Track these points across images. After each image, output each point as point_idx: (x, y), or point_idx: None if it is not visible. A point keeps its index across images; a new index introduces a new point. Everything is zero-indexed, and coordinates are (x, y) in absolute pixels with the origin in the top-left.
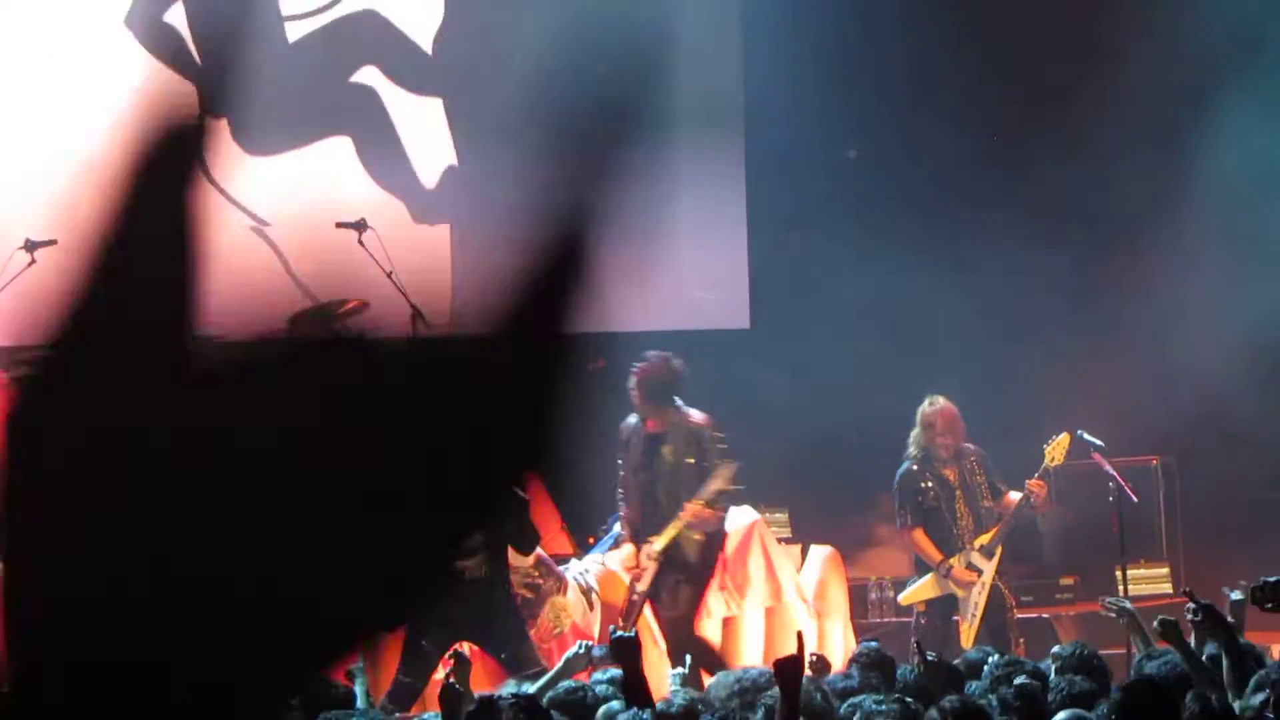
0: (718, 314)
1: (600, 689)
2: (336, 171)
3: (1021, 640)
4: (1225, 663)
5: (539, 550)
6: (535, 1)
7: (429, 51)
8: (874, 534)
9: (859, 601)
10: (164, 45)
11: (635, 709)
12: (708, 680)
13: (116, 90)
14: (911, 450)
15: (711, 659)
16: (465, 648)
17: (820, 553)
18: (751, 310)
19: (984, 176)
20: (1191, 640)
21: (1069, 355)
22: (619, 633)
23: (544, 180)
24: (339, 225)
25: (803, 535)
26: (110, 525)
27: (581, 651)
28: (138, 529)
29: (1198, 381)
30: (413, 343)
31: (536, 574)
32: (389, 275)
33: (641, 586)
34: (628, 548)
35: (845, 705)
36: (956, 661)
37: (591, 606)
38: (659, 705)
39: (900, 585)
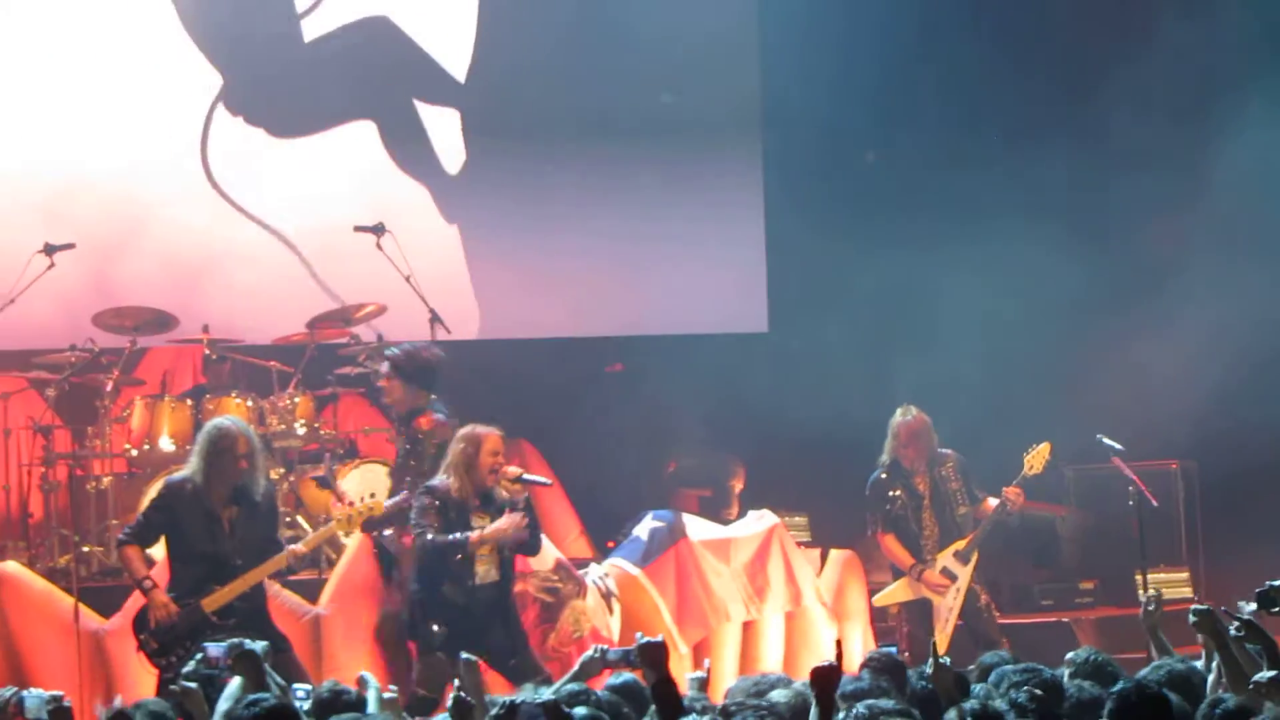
0: (735, 318)
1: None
2: (354, 175)
3: (1006, 641)
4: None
5: (558, 554)
6: (558, 10)
7: (446, 61)
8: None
9: (878, 606)
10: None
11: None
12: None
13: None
14: (884, 458)
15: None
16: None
17: (840, 557)
18: (769, 314)
19: (1004, 177)
20: (1201, 656)
21: (1089, 358)
22: (646, 639)
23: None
24: (357, 229)
25: (822, 539)
26: None
27: (596, 655)
28: None
29: (1217, 385)
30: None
31: (556, 578)
32: (407, 279)
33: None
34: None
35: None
36: (971, 667)
37: (611, 610)
38: None
39: None
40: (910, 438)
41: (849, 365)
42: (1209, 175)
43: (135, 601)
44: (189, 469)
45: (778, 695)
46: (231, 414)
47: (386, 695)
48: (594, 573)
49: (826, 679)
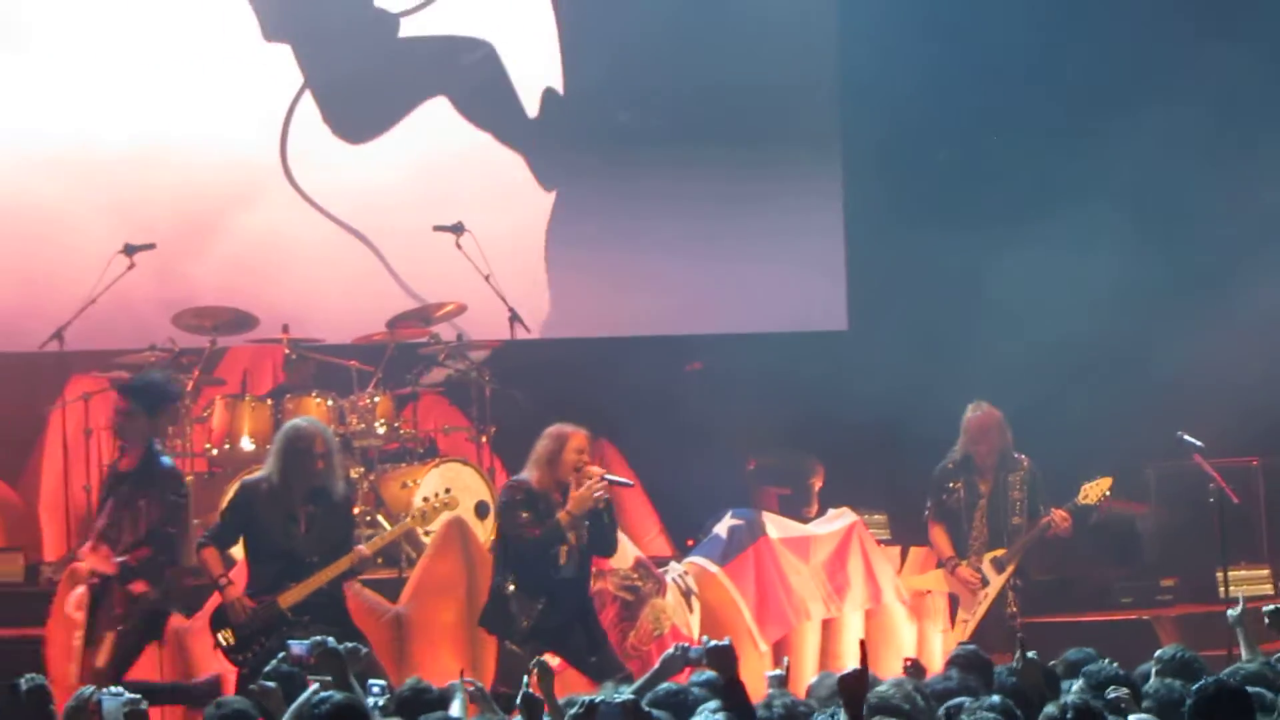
0: (815, 316)
1: (697, 691)
2: (433, 174)
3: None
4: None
5: (638, 552)
6: (635, 9)
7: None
8: None
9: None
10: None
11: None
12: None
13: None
14: (955, 451)
15: None
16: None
17: (919, 555)
18: (848, 311)
19: (1085, 168)
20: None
21: (1171, 353)
22: (713, 642)
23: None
24: (436, 229)
25: (901, 537)
26: None
27: (678, 653)
28: None
29: None
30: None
31: (636, 576)
32: (486, 278)
33: None
34: None
35: (943, 708)
36: (1054, 663)
37: (691, 608)
38: (758, 707)
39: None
40: (980, 433)
41: (928, 362)
42: None
43: (215, 601)
44: (266, 469)
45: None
46: (311, 414)
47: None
48: (674, 571)
49: (855, 686)
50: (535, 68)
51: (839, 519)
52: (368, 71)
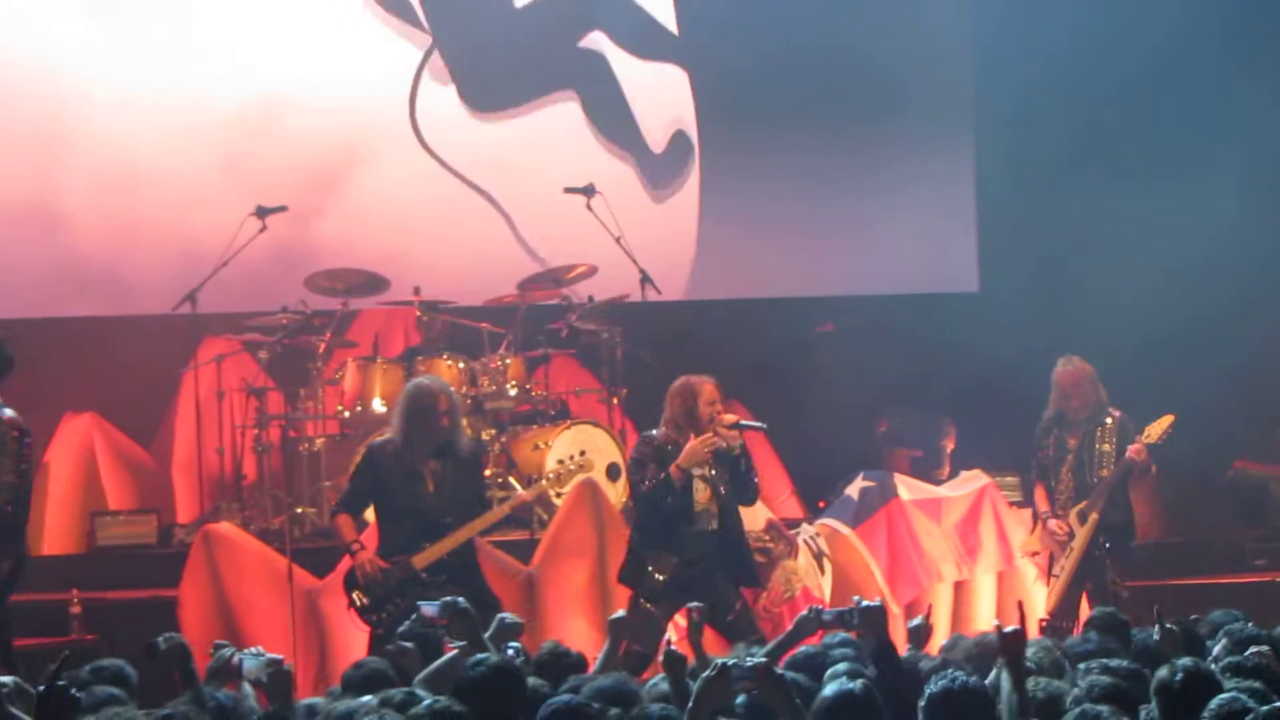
0: (946, 277)
1: (836, 653)
2: (564, 135)
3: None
4: None
5: (770, 514)
6: None
7: (669, 20)
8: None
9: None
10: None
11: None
12: None
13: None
14: (1049, 408)
15: None
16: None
17: None
18: (980, 273)
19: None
20: None
21: None
22: (866, 603)
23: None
24: (567, 190)
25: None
26: None
27: (811, 615)
28: None
29: None
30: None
31: (767, 538)
32: (617, 240)
33: None
34: None
35: (1082, 668)
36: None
37: (823, 570)
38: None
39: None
40: (1071, 387)
41: (1059, 322)
42: None
43: (348, 562)
44: (391, 430)
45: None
46: (442, 375)
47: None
48: (805, 533)
49: (1014, 643)
50: (669, 28)
51: (971, 481)
52: (497, 33)
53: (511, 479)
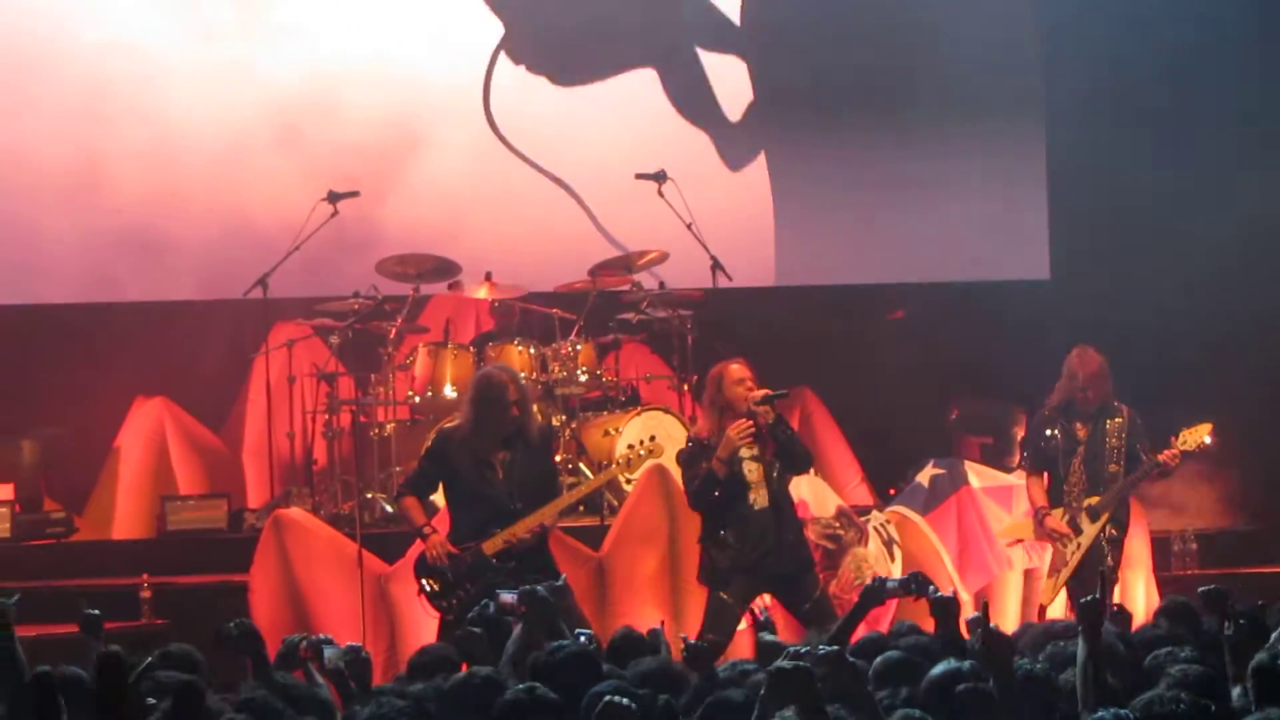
0: (1016, 264)
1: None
2: (636, 121)
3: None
4: None
5: (839, 501)
6: None
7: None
8: (1176, 486)
9: (1161, 553)
10: None
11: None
12: None
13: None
14: (1054, 397)
15: None
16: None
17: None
18: (1051, 260)
19: None
20: None
21: None
22: (939, 593)
23: None
24: (639, 176)
25: None
26: None
27: (876, 584)
28: None
29: None
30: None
31: (838, 525)
32: (689, 226)
33: None
34: None
35: (1150, 656)
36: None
37: (893, 557)
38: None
39: (1204, 538)
40: (1090, 378)
41: (1130, 311)
42: None
43: (418, 547)
44: (460, 417)
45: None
46: (513, 361)
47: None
48: (875, 519)
49: (1091, 613)
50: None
51: None
52: (569, 18)
53: (581, 464)
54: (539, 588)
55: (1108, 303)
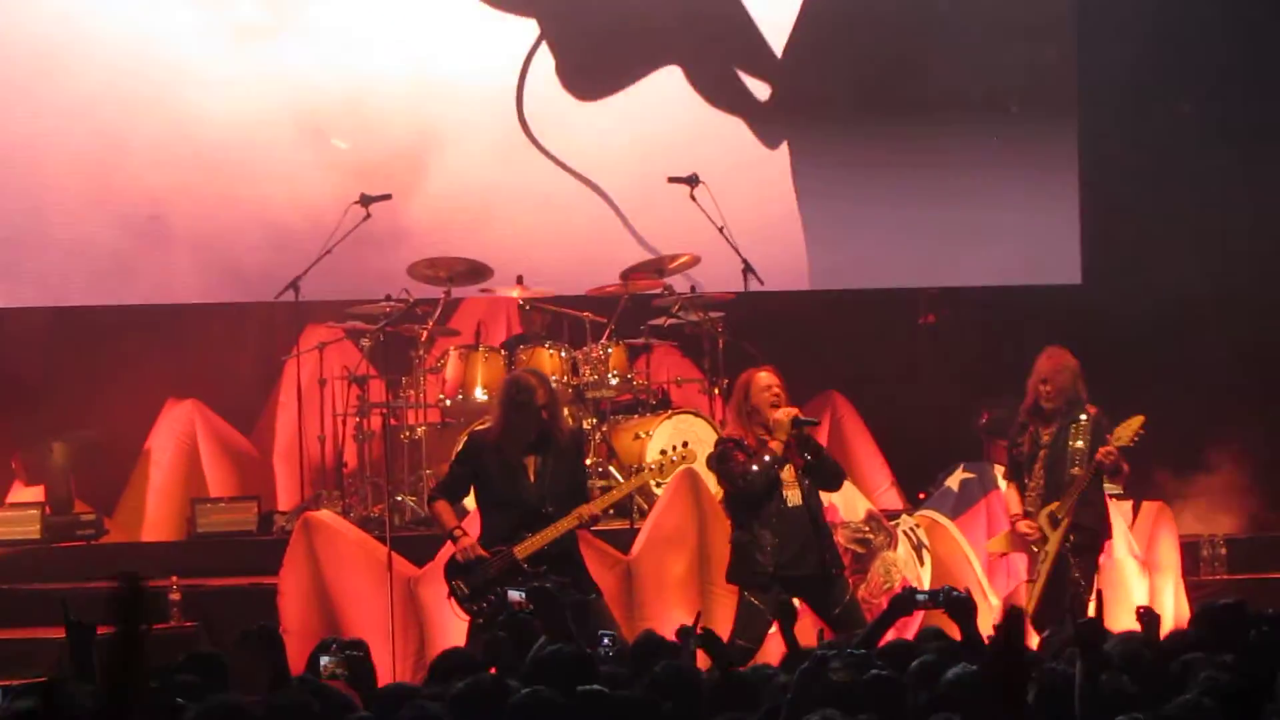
0: (1048, 269)
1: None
2: (669, 126)
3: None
4: None
5: (869, 505)
6: None
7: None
8: (1206, 490)
9: (1190, 558)
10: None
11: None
12: None
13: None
14: (1025, 400)
15: None
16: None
17: (1152, 508)
18: (1082, 266)
19: None
20: None
21: None
22: (955, 593)
23: None
24: (671, 180)
25: (1134, 491)
26: None
27: (905, 595)
28: None
29: None
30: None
31: (867, 529)
32: (720, 230)
33: None
34: None
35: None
36: None
37: (922, 562)
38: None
39: (1233, 543)
40: (1052, 373)
41: (1161, 316)
42: None
43: (449, 550)
44: (490, 420)
45: None
46: (544, 364)
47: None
48: (905, 524)
49: (1091, 633)
50: (775, 21)
51: None
52: (604, 22)
53: (612, 468)
54: (546, 584)
55: (1138, 308)
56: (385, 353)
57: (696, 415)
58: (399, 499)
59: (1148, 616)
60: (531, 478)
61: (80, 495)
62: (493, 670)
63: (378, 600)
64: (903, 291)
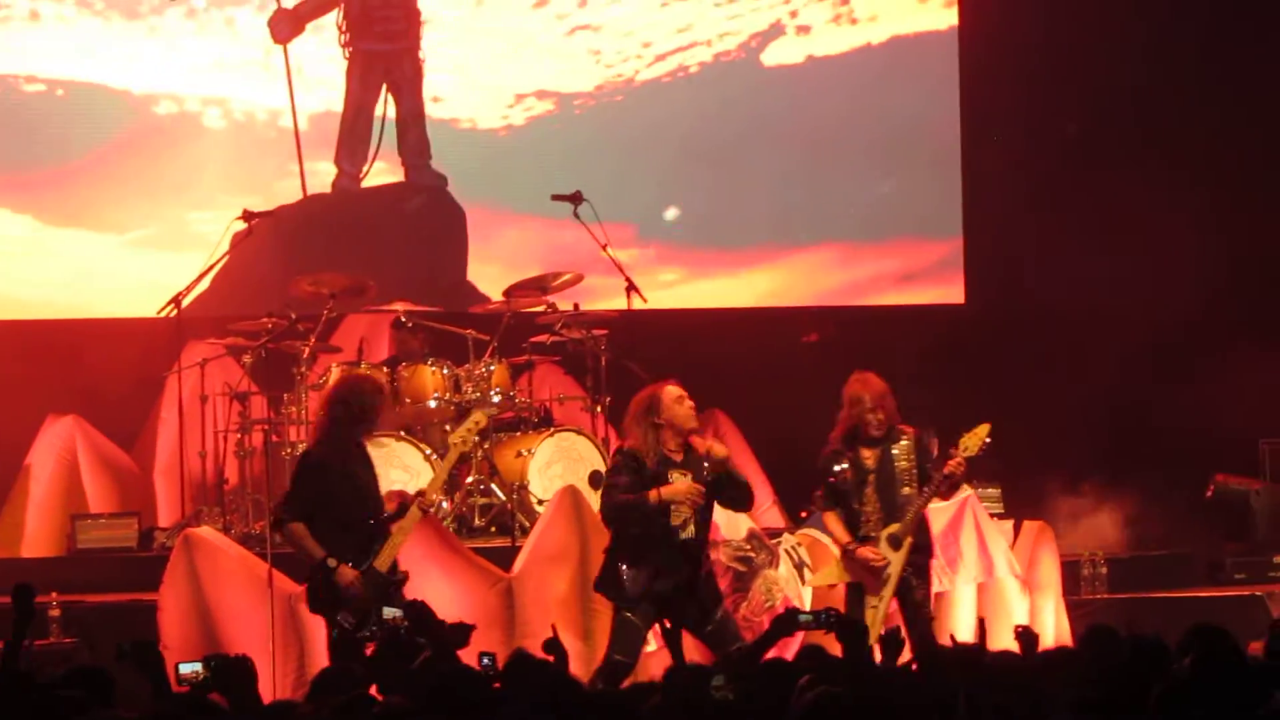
0: (932, 290)
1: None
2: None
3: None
4: None
5: (751, 524)
6: None
7: None
8: (1086, 509)
9: (1071, 577)
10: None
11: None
12: None
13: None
14: (838, 429)
15: None
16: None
17: (1032, 528)
18: (965, 286)
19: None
20: None
21: None
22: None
23: None
24: (554, 198)
25: (1015, 511)
26: None
27: (787, 616)
28: None
29: None
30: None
31: (749, 548)
32: (603, 248)
33: None
34: None
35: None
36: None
37: (804, 580)
38: None
39: (1115, 562)
40: (878, 400)
41: (1045, 338)
42: None
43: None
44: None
45: None
46: (426, 382)
47: None
48: (787, 542)
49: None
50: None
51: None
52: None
53: (494, 485)
54: (420, 601)
55: (1021, 330)
56: (267, 369)
57: (579, 433)
58: None
59: (1026, 636)
60: (365, 488)
61: None
62: (373, 688)
63: (258, 617)
64: (787, 310)
